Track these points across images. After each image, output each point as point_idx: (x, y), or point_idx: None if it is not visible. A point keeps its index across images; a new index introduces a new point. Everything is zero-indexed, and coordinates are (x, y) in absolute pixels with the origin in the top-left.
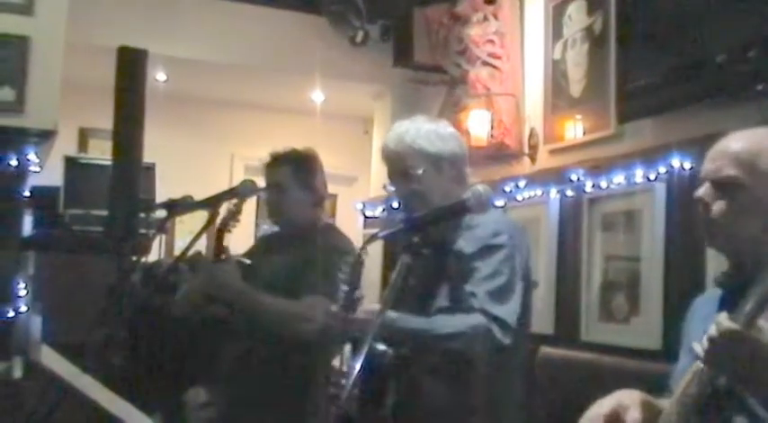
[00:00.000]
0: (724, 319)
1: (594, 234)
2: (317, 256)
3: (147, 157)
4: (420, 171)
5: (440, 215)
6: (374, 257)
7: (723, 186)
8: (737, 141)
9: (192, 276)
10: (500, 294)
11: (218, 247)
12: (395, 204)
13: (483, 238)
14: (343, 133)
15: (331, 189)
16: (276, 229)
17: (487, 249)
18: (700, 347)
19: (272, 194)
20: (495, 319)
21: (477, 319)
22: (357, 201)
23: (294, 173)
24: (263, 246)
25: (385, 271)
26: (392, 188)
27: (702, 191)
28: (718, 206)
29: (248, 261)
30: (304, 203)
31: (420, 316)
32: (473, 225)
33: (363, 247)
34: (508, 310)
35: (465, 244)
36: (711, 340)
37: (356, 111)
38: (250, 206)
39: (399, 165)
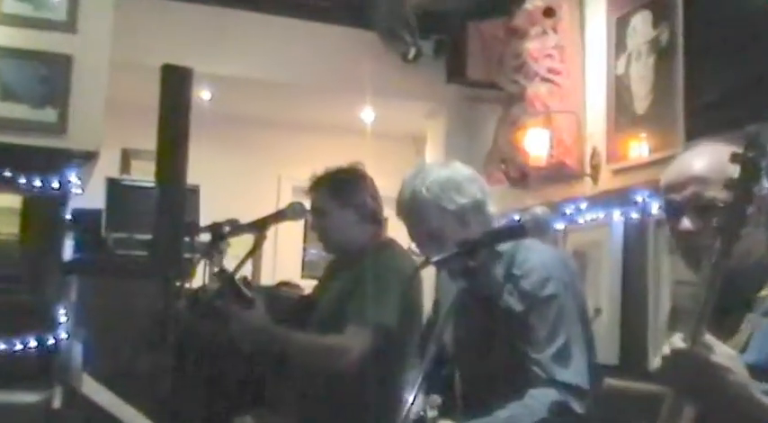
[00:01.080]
0: (676, 338)
1: (661, 258)
2: (365, 278)
3: (192, 179)
4: (447, 231)
5: (496, 238)
6: (426, 286)
7: (706, 211)
8: (699, 162)
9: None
10: (565, 356)
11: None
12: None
13: (531, 291)
14: (394, 153)
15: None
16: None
17: (539, 305)
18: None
19: (315, 219)
20: (568, 386)
21: (551, 396)
22: None
23: (333, 193)
24: (327, 272)
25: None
26: (418, 250)
27: (689, 222)
28: (707, 231)
29: (293, 294)
30: (349, 224)
31: (474, 370)
32: (518, 274)
33: (415, 273)
34: (578, 372)
35: (513, 300)
36: (663, 358)
37: (408, 130)
38: (297, 230)
39: (421, 227)
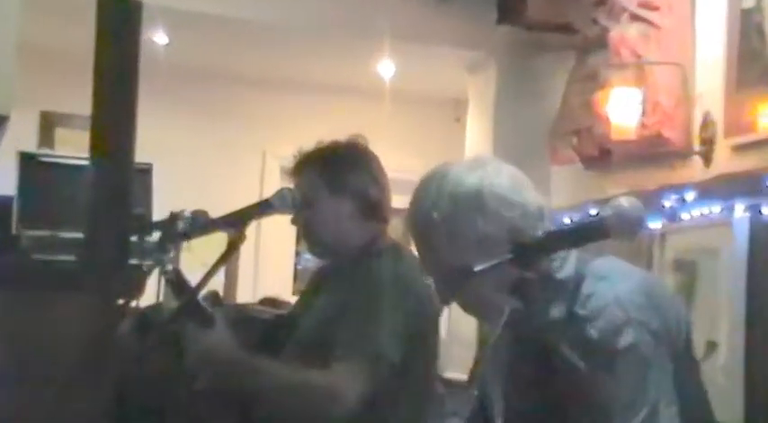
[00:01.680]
0: None
1: None
2: (361, 293)
3: (141, 155)
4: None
5: (563, 239)
6: None
7: None
8: None
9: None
10: None
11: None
12: None
13: (601, 341)
14: (423, 121)
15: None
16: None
17: (611, 362)
18: None
19: (298, 212)
20: None
21: None
22: None
23: (322, 177)
24: (312, 283)
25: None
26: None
27: None
28: None
29: (266, 312)
30: (341, 219)
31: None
32: (582, 315)
33: (458, 286)
34: None
35: (575, 353)
36: None
37: (442, 89)
38: (288, 228)
39: (441, 256)
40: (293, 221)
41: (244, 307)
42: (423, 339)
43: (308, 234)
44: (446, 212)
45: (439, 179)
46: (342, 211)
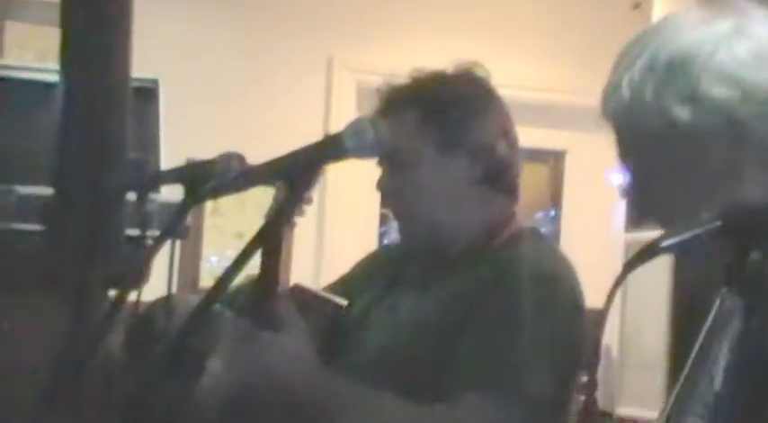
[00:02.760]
0: None
1: None
2: (496, 299)
3: (141, 67)
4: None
5: None
6: (654, 293)
7: None
8: None
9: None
10: None
11: (268, 274)
12: None
13: None
14: (583, 12)
15: (563, 138)
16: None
17: None
18: None
19: (388, 171)
20: None
21: None
22: (613, 165)
23: (428, 126)
24: (382, 271)
25: (676, 332)
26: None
27: None
28: None
29: (343, 303)
30: (455, 188)
31: None
32: None
33: (623, 275)
34: None
35: None
36: None
37: None
38: (368, 179)
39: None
40: (381, 186)
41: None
42: (575, 363)
43: (404, 208)
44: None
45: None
46: (458, 177)
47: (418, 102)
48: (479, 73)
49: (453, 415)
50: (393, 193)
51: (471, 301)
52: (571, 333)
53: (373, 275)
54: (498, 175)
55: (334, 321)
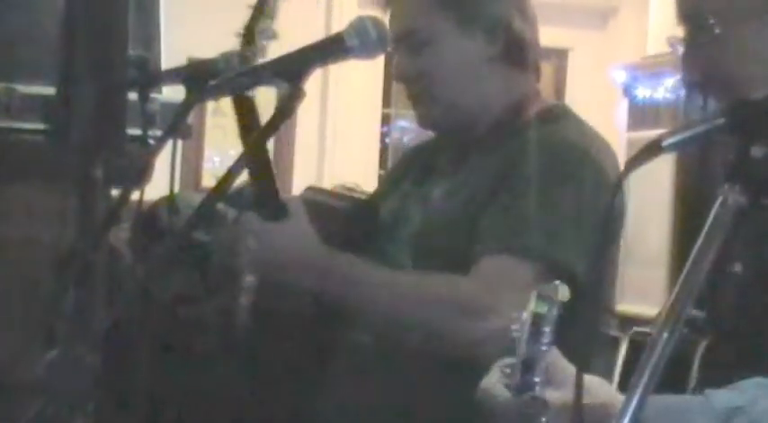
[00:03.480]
0: None
1: None
2: (522, 170)
3: None
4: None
5: None
6: (657, 190)
7: None
8: None
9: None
10: None
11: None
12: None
13: None
14: None
15: (566, 36)
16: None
17: None
18: None
19: (404, 55)
20: None
21: None
22: (616, 64)
23: (445, 4)
24: (414, 166)
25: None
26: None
27: None
28: None
29: (360, 195)
30: (479, 66)
31: None
32: None
33: (626, 173)
34: None
35: None
36: None
37: None
38: (372, 80)
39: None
40: (399, 70)
41: (313, 191)
42: (609, 250)
43: (424, 91)
44: None
45: None
46: (476, 55)
47: None
48: None
49: (464, 283)
50: (413, 76)
51: (498, 176)
52: (596, 210)
53: (407, 172)
54: (517, 51)
55: (355, 215)
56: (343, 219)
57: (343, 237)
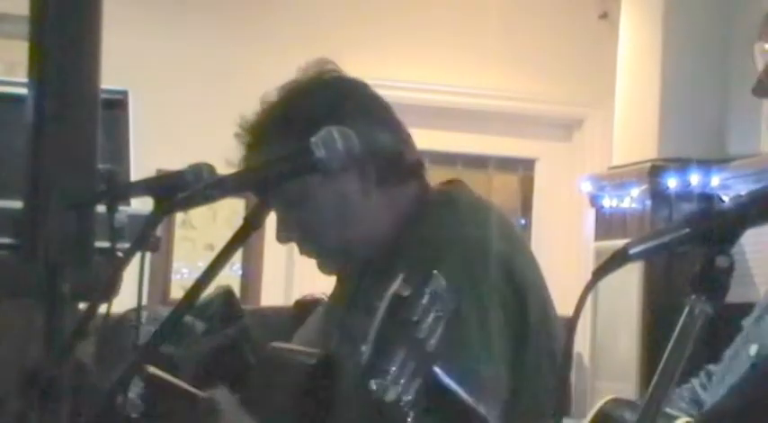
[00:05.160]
0: None
1: None
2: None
3: (111, 77)
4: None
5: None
6: (625, 300)
7: None
8: None
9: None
10: None
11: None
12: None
13: None
14: (550, 22)
15: (533, 147)
16: None
17: None
18: None
19: (283, 224)
20: None
21: None
22: (582, 175)
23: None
24: (334, 319)
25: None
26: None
27: None
28: None
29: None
30: (362, 202)
31: None
32: None
33: (593, 282)
34: None
35: None
36: None
37: None
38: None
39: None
40: (282, 239)
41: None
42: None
43: (314, 248)
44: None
45: None
46: (353, 190)
47: (282, 126)
48: (330, 67)
49: None
50: (299, 237)
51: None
52: (502, 296)
53: (330, 327)
54: (394, 170)
55: (312, 376)
56: (305, 374)
57: (304, 392)
